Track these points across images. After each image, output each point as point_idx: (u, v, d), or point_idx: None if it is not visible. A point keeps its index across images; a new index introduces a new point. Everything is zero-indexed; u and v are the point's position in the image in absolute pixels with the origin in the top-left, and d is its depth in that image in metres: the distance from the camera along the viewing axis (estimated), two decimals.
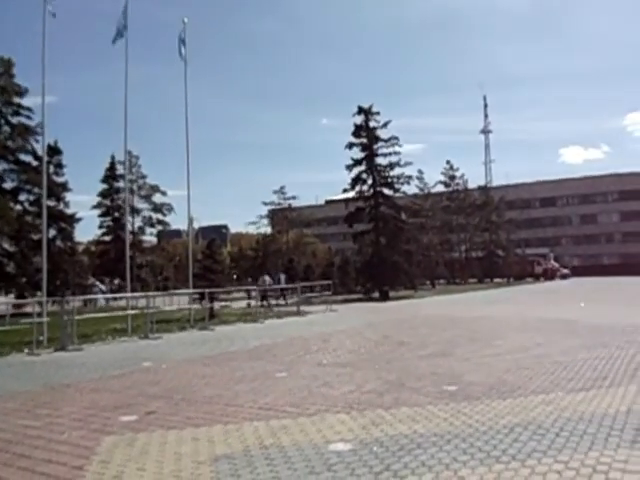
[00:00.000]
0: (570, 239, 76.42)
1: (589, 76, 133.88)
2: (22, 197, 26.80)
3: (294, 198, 52.15)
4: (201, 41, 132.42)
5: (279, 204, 52.14)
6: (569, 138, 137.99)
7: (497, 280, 51.41)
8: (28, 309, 16.20)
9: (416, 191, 49.87)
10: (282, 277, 29.28)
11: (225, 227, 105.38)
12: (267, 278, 26.93)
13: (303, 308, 20.40)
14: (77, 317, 12.72)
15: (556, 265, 57.83)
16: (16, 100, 25.99)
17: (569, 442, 4.44)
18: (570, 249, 74.13)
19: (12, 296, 24.95)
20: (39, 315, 12.89)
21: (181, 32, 17.90)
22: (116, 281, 32.96)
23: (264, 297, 24.25)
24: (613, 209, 74.59)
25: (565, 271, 56.55)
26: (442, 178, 54.52)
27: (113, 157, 42.80)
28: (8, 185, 26.64)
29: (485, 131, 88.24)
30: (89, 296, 23.79)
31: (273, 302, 25.31)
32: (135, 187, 44.37)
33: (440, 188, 54.42)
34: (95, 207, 43.22)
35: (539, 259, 57.50)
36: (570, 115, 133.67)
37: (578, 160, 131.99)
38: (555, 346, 9.82)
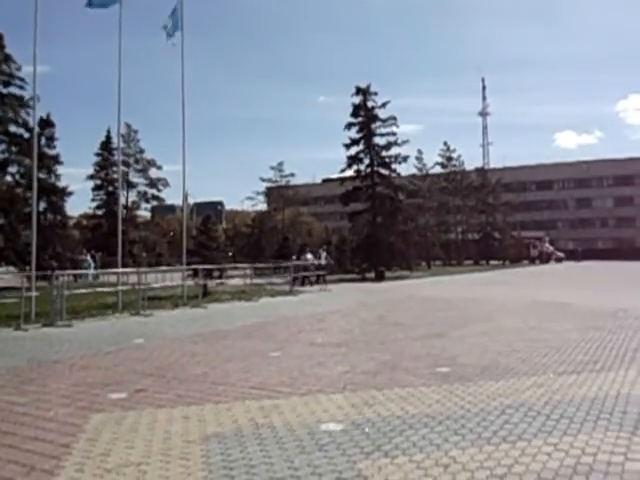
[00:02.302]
0: (566, 223, 76.80)
1: (584, 62, 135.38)
2: (12, 169, 26.48)
3: (292, 175, 51.82)
4: (199, 16, 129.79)
5: (276, 181, 51.81)
6: (563, 123, 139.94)
7: (493, 262, 51.59)
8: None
9: (415, 171, 49.84)
10: (323, 255, 26.86)
11: (220, 204, 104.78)
12: (309, 256, 25.38)
13: (297, 287, 20.35)
14: (67, 292, 12.50)
15: (551, 248, 58.02)
16: (7, 70, 25.46)
17: (559, 424, 4.50)
18: (566, 233, 74.53)
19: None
20: (27, 289, 12.65)
21: (177, 5, 17.42)
22: (96, 254, 32.57)
23: (305, 276, 23.50)
24: (608, 194, 74.89)
25: (560, 254, 56.68)
26: (439, 159, 54.57)
27: (109, 130, 42.68)
28: None
29: (483, 113, 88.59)
30: (79, 271, 23.60)
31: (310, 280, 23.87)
32: (132, 161, 44.01)
33: (438, 169, 54.43)
34: (91, 178, 43.08)
35: (535, 242, 57.64)
36: (565, 100, 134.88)
37: (572, 145, 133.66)
38: (548, 329, 9.89)
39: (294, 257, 26.29)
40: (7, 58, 25.54)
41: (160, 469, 3.71)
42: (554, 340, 8.63)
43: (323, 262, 25.82)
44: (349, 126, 31.87)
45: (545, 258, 54.99)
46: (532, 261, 54.28)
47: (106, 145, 42.72)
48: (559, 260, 55.34)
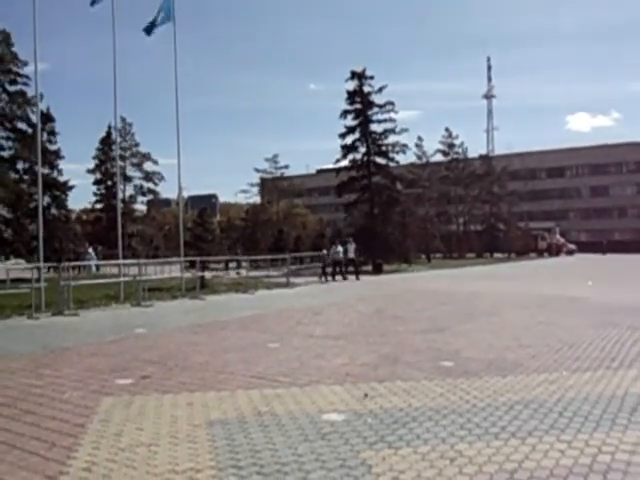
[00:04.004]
0: (578, 213, 70.04)
1: (599, 35, 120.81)
2: (19, 165, 26.88)
3: (286, 167, 51.34)
4: (187, 8, 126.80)
5: (270, 173, 51.39)
6: (576, 104, 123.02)
7: (497, 255, 48.83)
8: (25, 274, 16.40)
9: (414, 159, 47.38)
10: (351, 247, 24.09)
11: (215, 197, 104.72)
12: (340, 248, 23.16)
13: (292, 280, 20.30)
14: (73, 283, 13.02)
15: (562, 240, 54.22)
16: (14, 69, 25.85)
17: (573, 422, 4.30)
18: (578, 224, 68.01)
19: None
20: (37, 281, 13.13)
21: None
22: (98, 247, 32.87)
23: (335, 269, 22.55)
24: (628, 181, 67.37)
25: (571, 247, 53.06)
26: (440, 147, 50.89)
27: (110, 126, 42.79)
28: (6, 153, 26.66)
29: (488, 96, 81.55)
30: (84, 262, 23.99)
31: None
32: (128, 155, 44.26)
33: (439, 157, 51.25)
34: (91, 172, 43.41)
35: (543, 233, 53.82)
36: (578, 79, 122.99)
37: (586, 128, 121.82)
38: (559, 324, 9.42)
39: (324, 251, 24.65)
40: (14, 57, 25.80)
41: (169, 450, 3.88)
42: (566, 336, 8.18)
43: (352, 255, 23.82)
44: (344, 114, 30.60)
45: (555, 250, 51.20)
46: (540, 254, 50.58)
47: (106, 140, 42.95)
48: (570, 253, 51.37)
